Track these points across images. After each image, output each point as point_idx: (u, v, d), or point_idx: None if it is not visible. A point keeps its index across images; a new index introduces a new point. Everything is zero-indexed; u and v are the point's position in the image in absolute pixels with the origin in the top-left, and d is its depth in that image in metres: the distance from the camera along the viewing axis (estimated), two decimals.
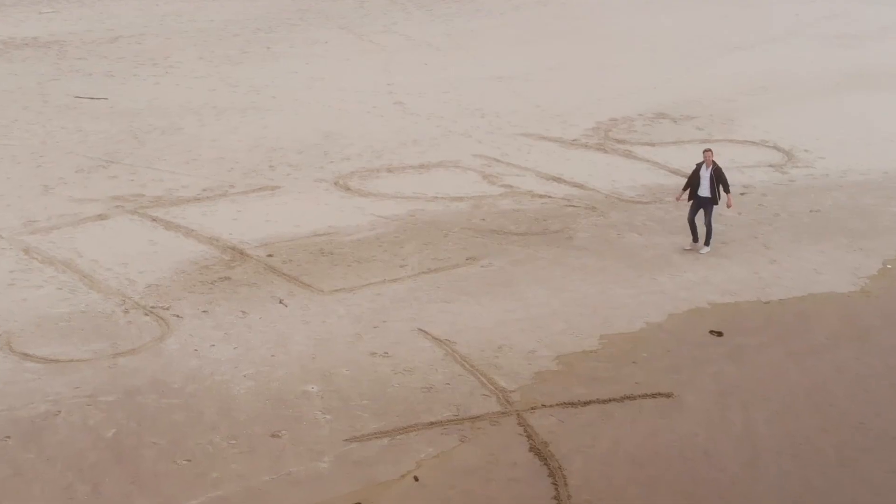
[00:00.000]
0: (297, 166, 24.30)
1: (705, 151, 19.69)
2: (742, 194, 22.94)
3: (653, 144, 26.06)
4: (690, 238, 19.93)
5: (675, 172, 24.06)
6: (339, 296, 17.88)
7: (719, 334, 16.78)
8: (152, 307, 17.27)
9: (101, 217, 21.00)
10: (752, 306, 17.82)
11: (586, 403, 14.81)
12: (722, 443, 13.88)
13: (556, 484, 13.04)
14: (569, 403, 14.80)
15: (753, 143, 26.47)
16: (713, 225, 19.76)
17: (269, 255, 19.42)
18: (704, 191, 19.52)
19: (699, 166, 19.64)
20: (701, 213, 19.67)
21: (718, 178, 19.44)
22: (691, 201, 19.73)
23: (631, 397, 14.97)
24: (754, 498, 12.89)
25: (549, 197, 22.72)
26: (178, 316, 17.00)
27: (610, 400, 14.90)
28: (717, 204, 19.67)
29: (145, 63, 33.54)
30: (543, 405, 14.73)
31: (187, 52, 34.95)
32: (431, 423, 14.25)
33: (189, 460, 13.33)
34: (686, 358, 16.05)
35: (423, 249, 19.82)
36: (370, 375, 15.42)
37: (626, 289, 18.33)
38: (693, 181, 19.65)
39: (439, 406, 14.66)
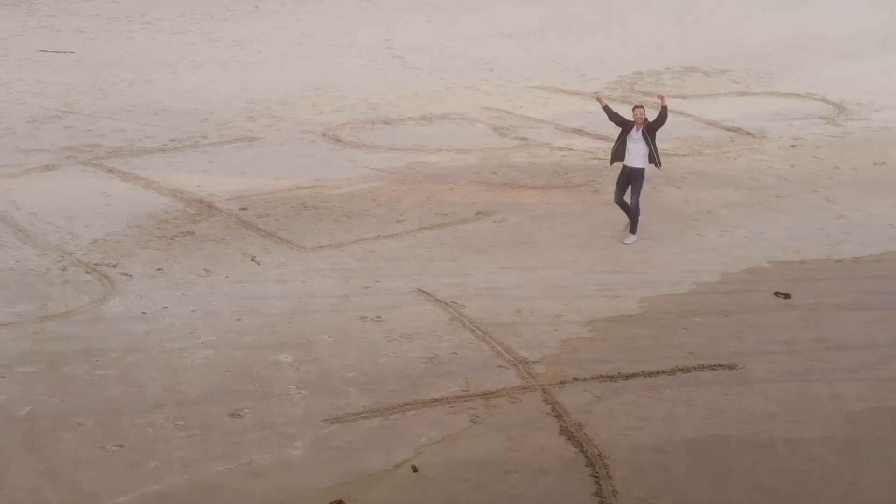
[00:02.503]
0: (280, 118, 21.25)
1: (635, 108, 15.09)
2: (792, 146, 19.91)
3: (685, 97, 22.97)
4: (629, 221, 15.43)
5: (713, 124, 21.05)
6: (323, 253, 14.87)
7: (787, 296, 13.73)
8: (96, 264, 14.23)
9: (49, 168, 17.98)
10: (821, 265, 14.78)
11: (629, 377, 11.77)
12: (809, 426, 10.81)
13: (596, 476, 9.99)
14: (607, 377, 11.76)
15: (798, 95, 23.38)
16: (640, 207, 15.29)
17: (243, 209, 16.41)
18: (635, 160, 14.97)
19: (627, 127, 15.06)
20: (629, 189, 15.17)
21: (651, 140, 14.87)
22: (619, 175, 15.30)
23: (685, 369, 11.92)
24: (861, 496, 9.84)
25: (570, 149, 19.68)
26: (126, 274, 13.97)
27: (658, 372, 11.85)
28: (658, 164, 15.17)
29: (120, 20, 30.39)
30: (575, 378, 11.70)
31: (166, 10, 31.80)
32: (435, 400, 11.22)
33: (121, 445, 10.29)
34: (749, 324, 13.00)
35: (425, 204, 16.81)
36: (358, 343, 12.39)
37: (667, 246, 15.29)
38: (619, 149, 15.17)
39: (444, 380, 11.63)
